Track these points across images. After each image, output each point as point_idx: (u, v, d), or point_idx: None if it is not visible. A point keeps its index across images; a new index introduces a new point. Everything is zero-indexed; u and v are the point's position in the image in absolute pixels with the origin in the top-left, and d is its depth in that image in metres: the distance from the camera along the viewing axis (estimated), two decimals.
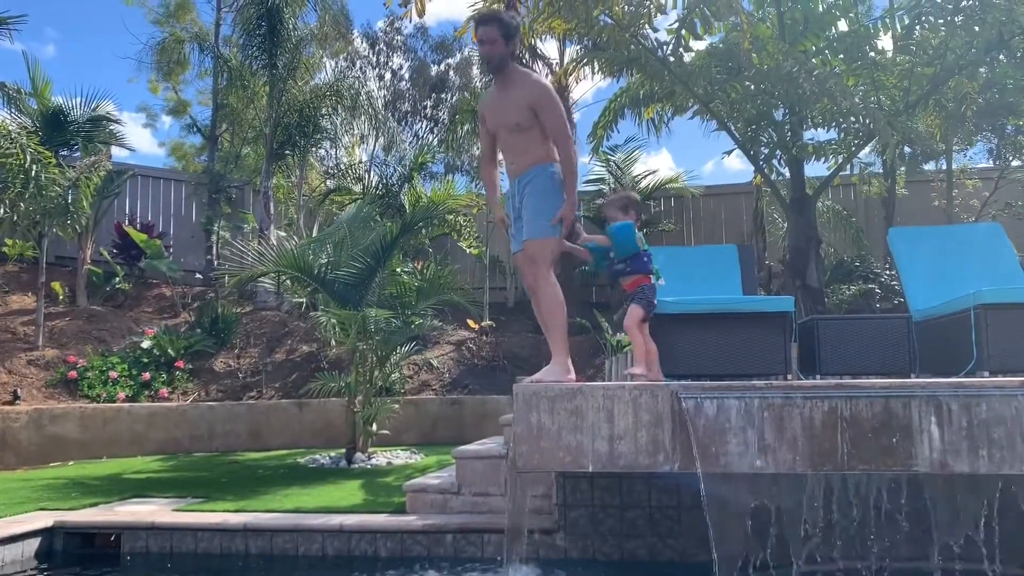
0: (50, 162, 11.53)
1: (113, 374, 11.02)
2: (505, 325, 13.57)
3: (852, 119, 9.81)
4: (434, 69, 18.56)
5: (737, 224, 14.57)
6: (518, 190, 4.77)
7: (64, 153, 12.91)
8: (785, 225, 12.39)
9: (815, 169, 11.29)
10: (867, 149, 11.54)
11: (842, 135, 10.43)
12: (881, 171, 13.04)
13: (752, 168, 11.38)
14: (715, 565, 3.74)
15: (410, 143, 16.97)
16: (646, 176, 14.81)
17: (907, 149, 11.52)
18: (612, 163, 14.62)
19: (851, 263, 12.83)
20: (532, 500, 5.35)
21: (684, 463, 3.80)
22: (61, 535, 5.67)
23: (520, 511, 4.86)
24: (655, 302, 4.97)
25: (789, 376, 4.95)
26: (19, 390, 10.37)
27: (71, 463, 9.55)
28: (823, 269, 11.16)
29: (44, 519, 5.76)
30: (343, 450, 8.87)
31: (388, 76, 18.53)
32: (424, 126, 17.91)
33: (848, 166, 11.48)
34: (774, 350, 4.86)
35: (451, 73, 18.47)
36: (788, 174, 10.70)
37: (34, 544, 5.51)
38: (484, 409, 10.64)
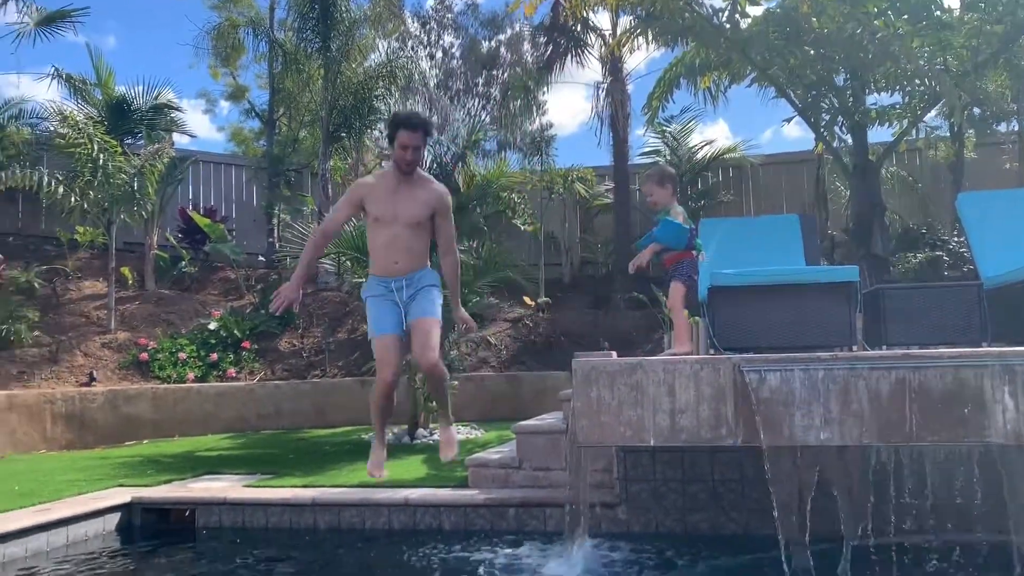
0: (116, 150, 11.88)
1: (182, 355, 11.37)
2: (561, 302, 13.56)
3: (917, 82, 9.48)
4: (485, 46, 18.45)
5: (798, 193, 14.24)
6: (406, 284, 4.62)
7: (128, 141, 13.28)
8: (848, 193, 12.09)
9: (878, 135, 10.93)
10: (933, 112, 11.14)
11: (907, 99, 10.08)
12: (948, 135, 12.59)
13: (813, 136, 11.11)
14: (780, 539, 3.71)
15: (462, 121, 16.96)
16: (703, 147, 14.60)
17: (976, 111, 11.05)
18: (668, 134, 14.42)
19: (917, 231, 12.46)
20: (593, 474, 5.36)
21: (747, 436, 3.76)
22: (139, 510, 5.90)
23: (581, 485, 4.89)
24: (695, 277, 4.93)
25: (854, 348, 4.84)
26: (94, 372, 10.77)
27: (145, 442, 9.89)
28: (888, 237, 10.87)
29: (123, 495, 6.00)
30: (405, 426, 9.01)
31: (439, 55, 18.50)
32: (476, 104, 17.86)
33: (913, 131, 11.10)
34: (838, 321, 4.75)
35: (502, 49, 18.34)
36: (850, 141, 10.41)
37: (114, 519, 5.75)
38: (542, 385, 10.67)
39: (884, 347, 5.14)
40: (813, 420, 3.66)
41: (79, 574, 4.39)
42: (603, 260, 14.62)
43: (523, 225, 14.43)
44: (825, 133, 10.45)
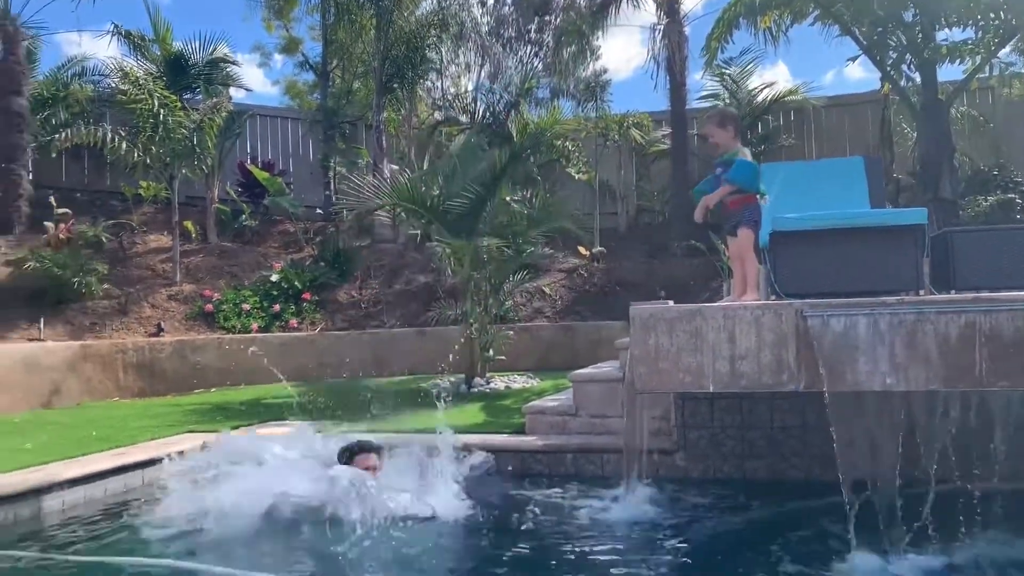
0: (176, 106, 12.07)
1: (246, 306, 11.66)
2: (616, 251, 13.47)
3: (992, 15, 9.04)
4: None
5: (862, 136, 13.79)
6: None
7: (187, 96, 13.50)
8: (915, 135, 11.67)
9: (948, 73, 10.47)
10: (1008, 48, 10.59)
11: (979, 33, 9.62)
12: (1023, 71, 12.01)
13: (878, 75, 10.72)
14: (842, 484, 3.68)
15: (515, 69, 16.77)
16: (763, 90, 14.20)
17: None
18: (726, 77, 14.05)
19: (988, 172, 12.00)
20: (650, 421, 5.38)
21: (809, 382, 3.72)
22: None
23: (638, 432, 4.91)
24: (760, 221, 4.82)
25: (921, 292, 4.72)
26: (162, 323, 11.13)
27: (213, 390, 10.22)
28: (957, 180, 10.50)
29: (194, 440, 6.22)
30: (462, 375, 9.13)
31: (491, 1, 18.29)
32: (528, 51, 17.63)
33: (986, 67, 10.61)
34: (905, 266, 4.63)
35: None
36: (919, 79, 10.02)
37: None
38: (597, 335, 10.67)
39: (952, 291, 5.00)
40: (878, 365, 3.59)
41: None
42: (659, 208, 14.44)
43: (577, 174, 14.31)
44: (892, 72, 10.08)
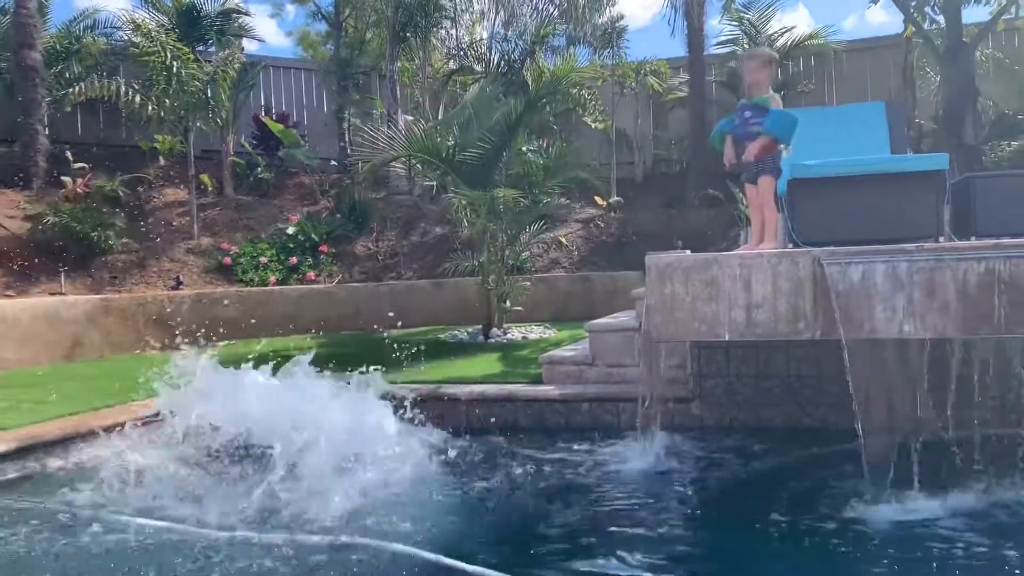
0: (188, 58, 12.00)
1: (263, 259, 11.73)
2: (633, 201, 13.38)
3: None
4: None
5: (884, 81, 13.52)
6: None
7: (200, 48, 13.38)
8: (938, 79, 11.43)
9: (974, 14, 10.20)
10: None
11: None
12: None
13: (901, 18, 10.49)
14: (859, 433, 3.69)
15: (530, 16, 16.50)
16: (783, 34, 13.89)
17: None
18: (745, 22, 13.75)
19: (1013, 117, 11.75)
20: (667, 370, 5.41)
21: (826, 330, 3.71)
22: None
23: (655, 380, 4.94)
24: (781, 170, 4.76)
25: (941, 239, 4.67)
26: (181, 276, 11.22)
27: (234, 342, 10.33)
28: (981, 125, 10.32)
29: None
30: (480, 326, 9.18)
31: None
32: None
33: (1013, 7, 10.33)
34: (925, 212, 4.57)
35: None
36: (943, 21, 9.78)
37: None
38: (614, 285, 10.66)
39: (973, 238, 4.94)
40: (896, 313, 3.58)
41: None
42: (677, 157, 14.28)
43: (593, 123, 14.15)
44: (915, 14, 9.85)
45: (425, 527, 3.66)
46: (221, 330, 10.53)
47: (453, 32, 16.29)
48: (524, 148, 10.83)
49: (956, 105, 9.42)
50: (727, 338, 3.92)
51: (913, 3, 9.81)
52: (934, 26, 10.30)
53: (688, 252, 4.57)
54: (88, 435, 5.09)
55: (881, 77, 13.66)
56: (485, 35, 16.35)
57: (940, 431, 3.95)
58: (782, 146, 4.77)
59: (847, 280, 3.62)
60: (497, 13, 15.76)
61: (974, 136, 9.48)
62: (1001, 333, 3.52)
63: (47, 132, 12.53)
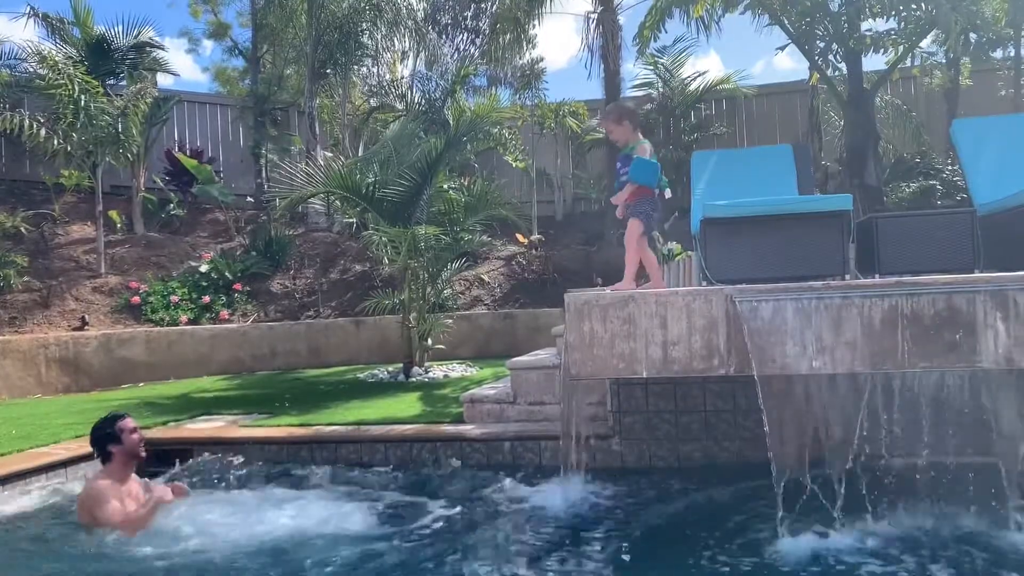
0: (98, 91, 11.63)
1: (174, 298, 11.34)
2: (554, 239, 13.52)
3: (913, 6, 9.32)
4: None
5: (791, 124, 14.12)
6: None
7: (111, 82, 13.00)
8: (842, 123, 11.98)
9: (873, 63, 10.80)
10: (928, 39, 10.98)
11: (902, 24, 9.91)
12: (944, 61, 12.43)
13: (807, 65, 10.98)
14: (772, 465, 3.75)
15: (452, 56, 16.64)
16: (695, 78, 14.38)
17: (972, 36, 10.88)
18: (660, 66, 14.20)
19: (911, 160, 12.40)
20: (587, 407, 5.41)
21: (740, 366, 3.78)
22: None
23: (575, 418, 4.93)
24: (654, 216, 4.87)
25: (847, 277, 4.84)
26: (86, 316, 10.75)
27: (141, 384, 9.93)
28: (882, 167, 10.82)
29: None
30: (400, 365, 9.05)
31: None
32: (465, 38, 17.51)
33: (908, 58, 10.95)
34: (831, 251, 4.74)
35: None
36: (845, 69, 10.27)
37: None
38: (536, 322, 10.71)
39: (877, 276, 5.14)
40: (805, 349, 3.67)
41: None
42: (596, 196, 14.53)
43: (514, 162, 14.30)
44: (819, 61, 10.32)
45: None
46: (129, 372, 10.15)
47: (375, 70, 16.31)
48: (445, 185, 10.84)
49: (859, 148, 9.86)
50: (645, 375, 3.95)
51: (817, 51, 10.28)
52: (837, 73, 10.80)
53: (608, 289, 4.61)
54: None
55: (789, 121, 14.25)
56: (407, 73, 16.43)
57: (852, 462, 4.04)
58: (657, 191, 4.85)
59: (758, 317, 3.69)
60: (419, 53, 15.86)
61: (876, 178, 9.93)
62: (905, 367, 3.64)
63: None
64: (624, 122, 4.92)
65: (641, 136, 4.94)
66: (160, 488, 4.59)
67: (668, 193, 4.84)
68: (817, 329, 3.67)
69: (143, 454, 4.43)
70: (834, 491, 3.86)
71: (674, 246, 10.40)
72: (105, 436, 4.35)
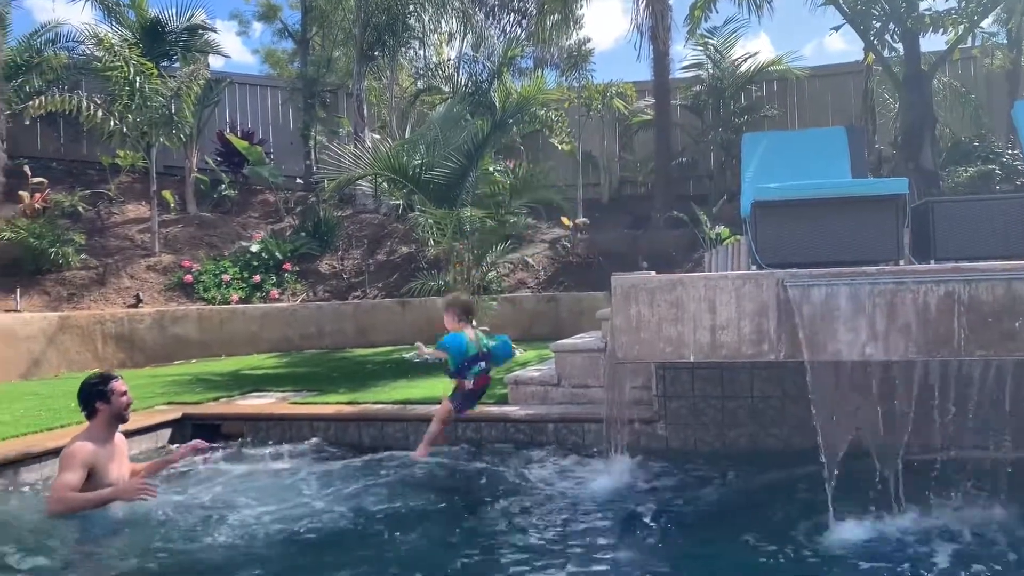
0: (152, 73, 11.86)
1: (226, 277, 11.56)
2: (599, 222, 13.45)
3: None
4: None
5: (844, 107, 13.80)
6: None
7: (164, 64, 13.23)
8: (897, 105, 11.69)
9: (931, 43, 10.46)
10: (990, 18, 10.63)
11: (963, 3, 9.61)
12: (1005, 41, 12.03)
13: (860, 46, 10.74)
14: (822, 454, 3.70)
15: (498, 38, 16.59)
16: (746, 59, 14.12)
17: None
18: (710, 47, 13.98)
19: (969, 143, 12.05)
20: (631, 391, 5.39)
21: (789, 352, 3.73)
22: (190, 426, 6.07)
23: (619, 401, 4.92)
24: (464, 412, 5.31)
25: (901, 262, 4.74)
26: (141, 294, 11.02)
27: (193, 361, 10.16)
28: (938, 151, 10.55)
29: (174, 412, 6.18)
30: None
31: None
32: (511, 19, 17.44)
33: (969, 38, 10.61)
34: (886, 235, 4.64)
35: None
36: (901, 49, 10.00)
37: (166, 434, 5.94)
38: (579, 306, 10.69)
39: (932, 262, 5.03)
40: (858, 335, 3.60)
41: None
42: (642, 179, 14.41)
43: (560, 144, 14.23)
44: (875, 41, 10.07)
45: None
46: (182, 349, 10.40)
47: (421, 52, 16.33)
48: (491, 168, 10.86)
49: (915, 131, 9.61)
50: (692, 359, 3.93)
51: (873, 31, 10.02)
52: (893, 54, 10.53)
53: (653, 273, 4.58)
54: (42, 455, 4.94)
55: (842, 103, 13.94)
56: (453, 55, 16.42)
57: (903, 452, 3.97)
58: (466, 383, 5.24)
59: (810, 302, 3.64)
60: (465, 35, 15.82)
61: (932, 162, 9.68)
62: (961, 355, 3.56)
63: (5, 146, 12.27)
64: (448, 311, 5.34)
65: (467, 328, 5.30)
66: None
67: (469, 384, 5.20)
68: (870, 315, 3.60)
69: (128, 417, 4.52)
70: (885, 479, 3.80)
71: (722, 230, 10.30)
72: (96, 392, 4.41)
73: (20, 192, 11.72)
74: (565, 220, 13.06)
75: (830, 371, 3.80)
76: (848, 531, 3.61)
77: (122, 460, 4.44)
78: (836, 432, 3.84)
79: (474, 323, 5.40)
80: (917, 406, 3.92)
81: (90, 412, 4.42)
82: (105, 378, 4.49)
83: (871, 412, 4.11)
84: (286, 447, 5.55)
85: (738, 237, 6.06)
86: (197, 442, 4.87)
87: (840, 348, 3.63)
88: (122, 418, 4.48)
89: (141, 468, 4.63)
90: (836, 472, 3.70)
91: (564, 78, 14.72)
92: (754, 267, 4.76)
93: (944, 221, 5.21)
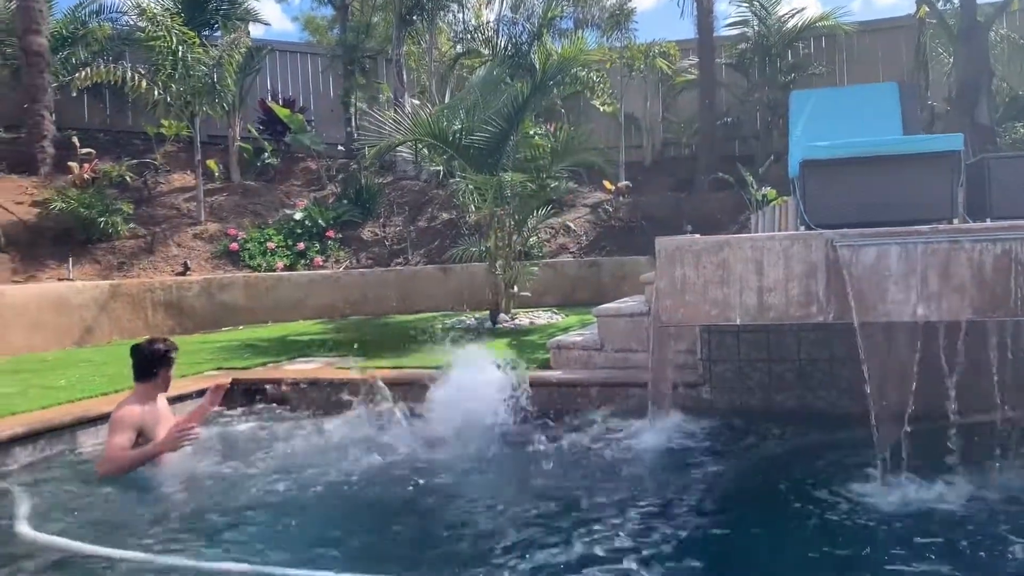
0: (194, 42, 11.93)
1: (271, 245, 11.70)
2: (642, 185, 13.29)
3: None
4: None
5: (895, 62, 13.36)
6: None
7: (205, 33, 13.30)
8: (951, 60, 11.28)
9: None
10: None
11: None
12: None
13: None
14: (872, 417, 3.63)
15: None
16: (792, 15, 13.72)
17: None
18: (755, 3, 13.59)
19: None
20: (676, 355, 5.34)
21: (839, 313, 3.65)
22: (239, 391, 6.18)
23: (664, 365, 4.88)
24: None
25: (955, 221, 4.59)
26: (188, 262, 11.21)
27: (240, 327, 10.33)
28: (995, 106, 10.18)
29: (223, 377, 6.29)
30: (487, 312, 9.13)
31: None
32: None
33: None
34: (939, 193, 4.50)
35: None
36: (956, 1, 9.62)
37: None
38: (622, 270, 10.61)
39: (988, 220, 4.87)
40: (910, 295, 3.52)
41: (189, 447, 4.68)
42: (686, 140, 14.17)
43: (602, 106, 14.03)
44: None
45: None
46: (229, 315, 10.58)
47: (460, 15, 16.18)
48: (531, 131, 10.75)
49: (970, 86, 9.28)
50: (738, 322, 3.87)
51: None
52: (948, 6, 10.16)
53: (698, 236, 4.51)
54: (97, 420, 5.07)
55: (893, 59, 13.50)
56: (492, 18, 16.22)
57: (954, 415, 3.88)
58: None
59: (860, 262, 3.55)
60: None
61: (988, 117, 9.35)
62: (1018, 316, 3.46)
63: (54, 118, 12.51)
64: None
65: None
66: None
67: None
68: (923, 275, 3.51)
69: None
70: (935, 443, 3.72)
71: (769, 191, 10.10)
72: (160, 357, 4.56)
73: (69, 163, 11.95)
74: (607, 184, 12.93)
75: (880, 332, 3.71)
76: (898, 495, 3.55)
77: (167, 422, 4.55)
78: (886, 394, 3.76)
79: None
80: (970, 367, 3.83)
81: (149, 376, 4.54)
82: (171, 346, 4.66)
83: (922, 373, 4.02)
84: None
85: (785, 198, 5.92)
86: (220, 383, 4.95)
87: (891, 309, 3.54)
88: (167, 386, 4.66)
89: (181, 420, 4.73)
90: (887, 435, 3.63)
91: (605, 38, 14.47)
92: (802, 228, 4.66)
93: (1000, 178, 5.04)
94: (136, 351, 4.61)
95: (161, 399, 4.65)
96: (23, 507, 3.78)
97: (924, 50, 12.30)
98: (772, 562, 3.13)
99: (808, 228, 4.53)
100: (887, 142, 4.96)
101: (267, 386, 6.22)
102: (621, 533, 3.24)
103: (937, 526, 3.28)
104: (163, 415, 4.57)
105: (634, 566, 2.93)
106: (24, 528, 3.50)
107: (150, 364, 4.54)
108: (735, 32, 13.98)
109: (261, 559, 3.11)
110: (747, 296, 3.81)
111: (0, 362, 7.94)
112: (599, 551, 3.09)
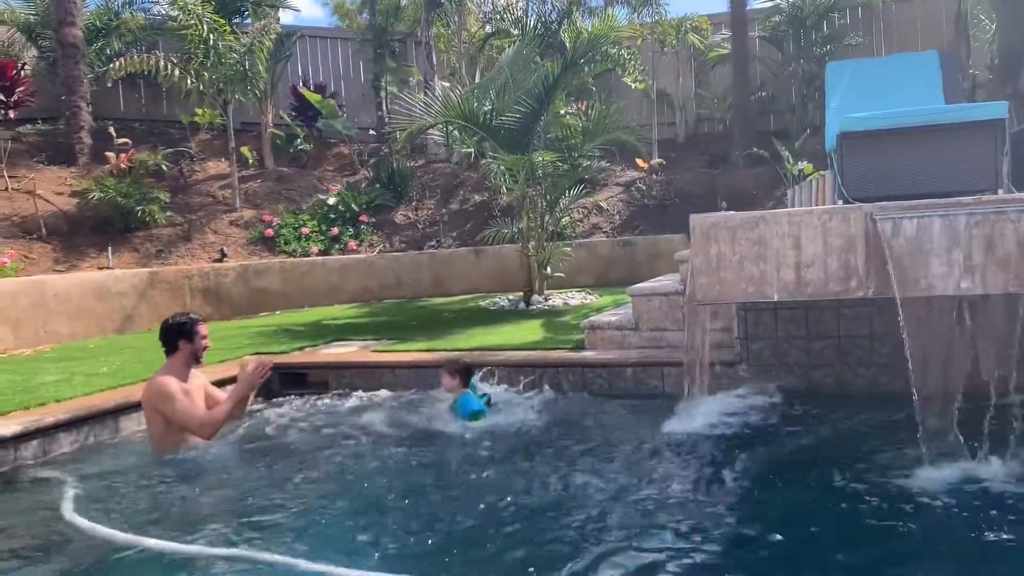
0: (225, 30, 12.01)
1: (305, 230, 11.79)
2: (675, 162, 13.14)
3: None
4: None
5: (935, 32, 13.01)
6: None
7: (236, 20, 13.38)
8: (993, 27, 10.96)
9: None
10: None
11: None
12: None
13: None
14: (914, 395, 3.56)
15: None
16: None
17: None
18: None
19: None
20: (712, 333, 5.28)
21: (879, 288, 3.58)
22: (277, 375, 6.23)
23: (700, 344, 4.83)
24: None
25: (1000, 192, 4.47)
26: (225, 248, 11.34)
27: (277, 312, 10.44)
28: None
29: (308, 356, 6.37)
30: (520, 293, 9.12)
31: None
32: None
33: None
34: (983, 164, 4.38)
35: None
36: None
37: None
38: (656, 249, 10.52)
39: None
40: (952, 268, 3.43)
41: (230, 433, 4.74)
42: (720, 116, 13.96)
43: (633, 83, 13.86)
44: None
45: None
46: (266, 301, 10.70)
47: None
48: (562, 111, 10.67)
49: (1013, 53, 9.00)
50: (776, 298, 3.81)
51: None
52: None
53: (733, 212, 4.45)
54: (138, 405, 5.15)
55: (932, 28, 13.14)
56: None
57: (1000, 393, 3.79)
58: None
59: (901, 235, 3.47)
60: None
61: None
62: None
63: (90, 109, 12.69)
64: (453, 375, 5.04)
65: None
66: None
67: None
68: (966, 247, 3.42)
69: (203, 360, 4.70)
70: (980, 420, 3.63)
71: (805, 166, 9.94)
72: (180, 328, 4.59)
73: (107, 153, 12.12)
74: (640, 162, 12.80)
75: (922, 307, 3.63)
76: (941, 474, 3.48)
77: (201, 395, 4.60)
78: (928, 371, 3.69)
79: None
80: (1020, 344, 3.73)
81: (171, 348, 4.60)
82: (192, 319, 4.69)
83: (966, 350, 3.93)
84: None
85: (822, 172, 5.80)
86: (263, 359, 4.97)
87: (933, 283, 3.46)
88: (198, 359, 4.66)
89: (224, 396, 4.76)
90: (929, 412, 3.56)
91: (636, 14, 14.27)
92: (840, 201, 4.56)
93: None
94: (161, 325, 4.69)
95: (195, 375, 4.69)
96: (69, 494, 3.85)
97: (965, 17, 11.97)
98: (821, 541, 3.09)
99: (846, 202, 4.44)
100: (928, 111, 4.83)
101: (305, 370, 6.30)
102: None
103: (986, 504, 3.20)
104: (196, 390, 4.62)
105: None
106: (71, 515, 3.56)
107: (171, 336, 4.60)
108: (768, 4, 13.71)
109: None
110: (784, 272, 3.75)
111: (45, 350, 8.12)
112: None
